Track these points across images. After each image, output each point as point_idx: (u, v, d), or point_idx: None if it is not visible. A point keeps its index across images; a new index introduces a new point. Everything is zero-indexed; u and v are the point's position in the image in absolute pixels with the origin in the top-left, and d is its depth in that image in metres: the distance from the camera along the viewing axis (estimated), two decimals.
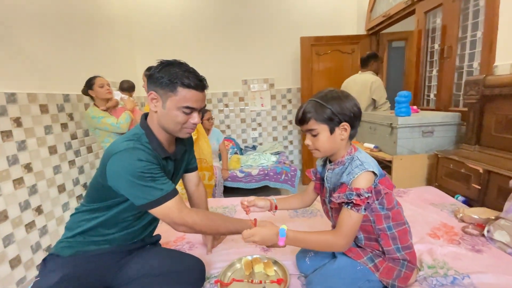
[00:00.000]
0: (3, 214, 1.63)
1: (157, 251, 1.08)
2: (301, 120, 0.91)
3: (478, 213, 1.34)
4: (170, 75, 0.89)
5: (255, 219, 0.98)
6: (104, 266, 0.96)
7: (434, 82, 2.36)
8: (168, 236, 1.37)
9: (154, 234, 1.17)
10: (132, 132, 0.96)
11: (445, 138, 1.95)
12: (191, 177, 1.25)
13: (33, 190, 1.86)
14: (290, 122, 3.75)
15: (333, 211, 0.95)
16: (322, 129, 0.87)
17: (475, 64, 1.90)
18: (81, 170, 2.37)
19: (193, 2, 3.44)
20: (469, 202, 1.57)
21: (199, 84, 0.92)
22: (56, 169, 2.08)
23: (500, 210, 1.27)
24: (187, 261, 1.02)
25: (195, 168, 1.26)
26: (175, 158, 1.05)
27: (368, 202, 0.80)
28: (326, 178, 0.97)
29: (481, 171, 1.47)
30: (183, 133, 0.97)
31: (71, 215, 1.03)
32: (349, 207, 0.82)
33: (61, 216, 2.11)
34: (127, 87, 2.44)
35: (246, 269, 1.07)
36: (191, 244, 1.33)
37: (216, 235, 0.99)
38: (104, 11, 2.89)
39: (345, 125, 0.87)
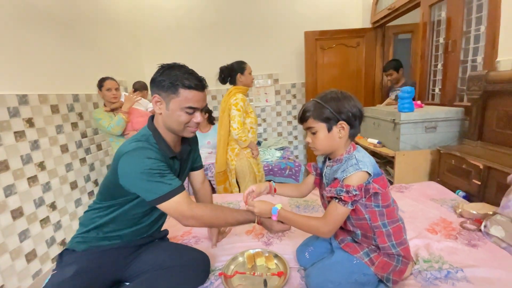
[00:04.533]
0: (19, 211, 1.72)
1: (164, 245, 1.15)
2: (301, 118, 0.96)
3: (477, 208, 1.36)
4: (171, 77, 0.94)
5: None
6: (115, 260, 1.03)
7: (439, 76, 2.34)
8: (175, 230, 1.43)
9: (162, 229, 1.23)
10: (140, 133, 1.01)
11: (448, 133, 1.95)
12: (197, 175, 1.30)
13: (46, 187, 1.95)
14: (295, 117, 3.76)
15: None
16: (320, 127, 0.92)
17: (479, 59, 1.89)
18: (92, 167, 2.45)
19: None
20: (469, 198, 1.59)
21: (199, 84, 0.97)
22: (68, 167, 2.17)
23: (499, 205, 1.29)
24: (193, 255, 1.09)
25: (200, 167, 1.31)
26: (181, 158, 1.11)
27: (355, 200, 0.85)
28: (324, 174, 1.01)
29: (481, 167, 1.49)
30: (187, 133, 1.03)
31: (85, 212, 1.10)
32: (337, 201, 0.87)
33: (74, 212, 2.20)
34: (139, 87, 2.51)
35: (248, 262, 1.13)
36: (197, 238, 1.39)
37: (225, 226, 1.04)
38: (110, 11, 2.94)
39: (343, 124, 0.90)
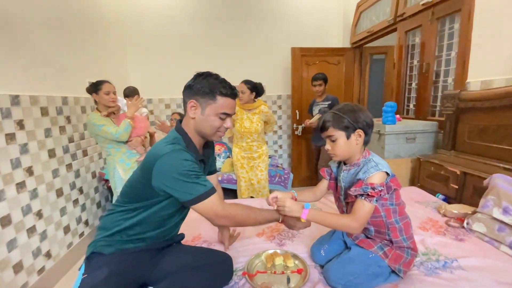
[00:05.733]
0: (7, 219, 1.60)
1: (185, 248, 1.17)
2: (322, 128, 1.06)
3: (457, 208, 1.56)
4: (209, 85, 1.01)
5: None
6: (141, 263, 1.03)
7: (413, 94, 2.63)
8: (185, 236, 1.44)
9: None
10: (171, 136, 1.04)
11: (425, 144, 2.20)
12: (212, 179, 1.33)
13: (34, 194, 1.83)
14: (280, 127, 3.91)
15: (349, 206, 1.10)
16: (340, 135, 1.03)
17: (450, 80, 2.18)
18: (77, 174, 2.34)
19: (186, 7, 3.50)
20: (448, 200, 1.80)
21: (233, 92, 1.06)
22: (55, 173, 2.05)
23: (475, 206, 1.50)
24: (217, 256, 1.12)
25: (215, 171, 1.35)
26: (205, 161, 1.15)
27: (380, 195, 0.96)
28: (341, 178, 1.12)
29: (458, 173, 1.71)
30: (217, 137, 1.09)
31: (105, 216, 1.08)
32: (363, 198, 0.98)
33: (59, 221, 2.08)
34: (129, 93, 2.46)
35: (268, 262, 1.19)
36: (208, 243, 1.41)
37: (254, 224, 1.08)
38: (97, 16, 2.88)
39: (360, 131, 1.03)
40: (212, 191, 0.97)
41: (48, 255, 1.92)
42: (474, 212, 1.43)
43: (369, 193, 0.94)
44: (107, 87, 1.96)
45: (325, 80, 2.92)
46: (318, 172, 3.07)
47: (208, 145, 1.22)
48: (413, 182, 2.18)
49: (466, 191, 1.67)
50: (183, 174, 0.92)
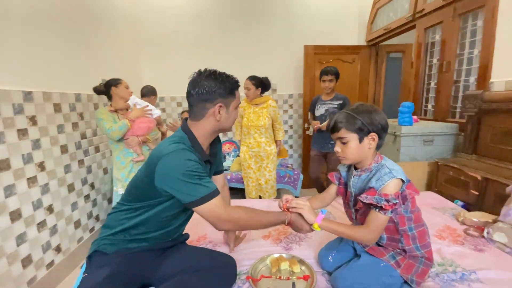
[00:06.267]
0: (17, 213, 1.63)
1: (190, 249, 1.14)
2: (333, 128, 1.00)
3: (477, 216, 1.46)
4: (228, 83, 1.01)
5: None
6: (143, 263, 1.02)
7: (432, 94, 2.51)
8: (191, 235, 1.41)
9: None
10: (177, 135, 1.02)
11: (444, 147, 2.09)
12: (218, 179, 1.30)
13: (45, 189, 1.86)
14: (291, 126, 3.84)
15: (358, 213, 1.04)
16: (352, 137, 0.97)
17: (472, 79, 2.05)
18: (89, 170, 2.37)
19: (198, 6, 3.49)
20: (467, 207, 1.70)
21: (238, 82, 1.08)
22: (67, 169, 2.09)
23: (497, 214, 1.40)
24: (221, 258, 1.09)
25: (222, 171, 1.32)
26: (211, 161, 1.12)
27: (396, 207, 0.89)
28: (351, 184, 1.06)
29: (479, 178, 1.60)
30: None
31: (109, 214, 1.07)
32: (377, 210, 0.91)
33: (70, 216, 2.11)
34: (146, 92, 2.47)
35: (273, 266, 1.15)
36: (213, 243, 1.39)
37: (259, 228, 1.04)
38: (111, 13, 2.91)
39: (373, 135, 0.96)
40: (215, 193, 0.93)
41: (58, 249, 1.95)
42: (495, 221, 1.34)
43: (383, 206, 0.88)
44: (126, 83, 2.02)
45: (337, 76, 2.57)
46: (325, 184, 2.88)
47: (215, 144, 1.18)
48: (429, 186, 2.08)
49: (487, 198, 1.56)
50: (186, 175, 0.89)
